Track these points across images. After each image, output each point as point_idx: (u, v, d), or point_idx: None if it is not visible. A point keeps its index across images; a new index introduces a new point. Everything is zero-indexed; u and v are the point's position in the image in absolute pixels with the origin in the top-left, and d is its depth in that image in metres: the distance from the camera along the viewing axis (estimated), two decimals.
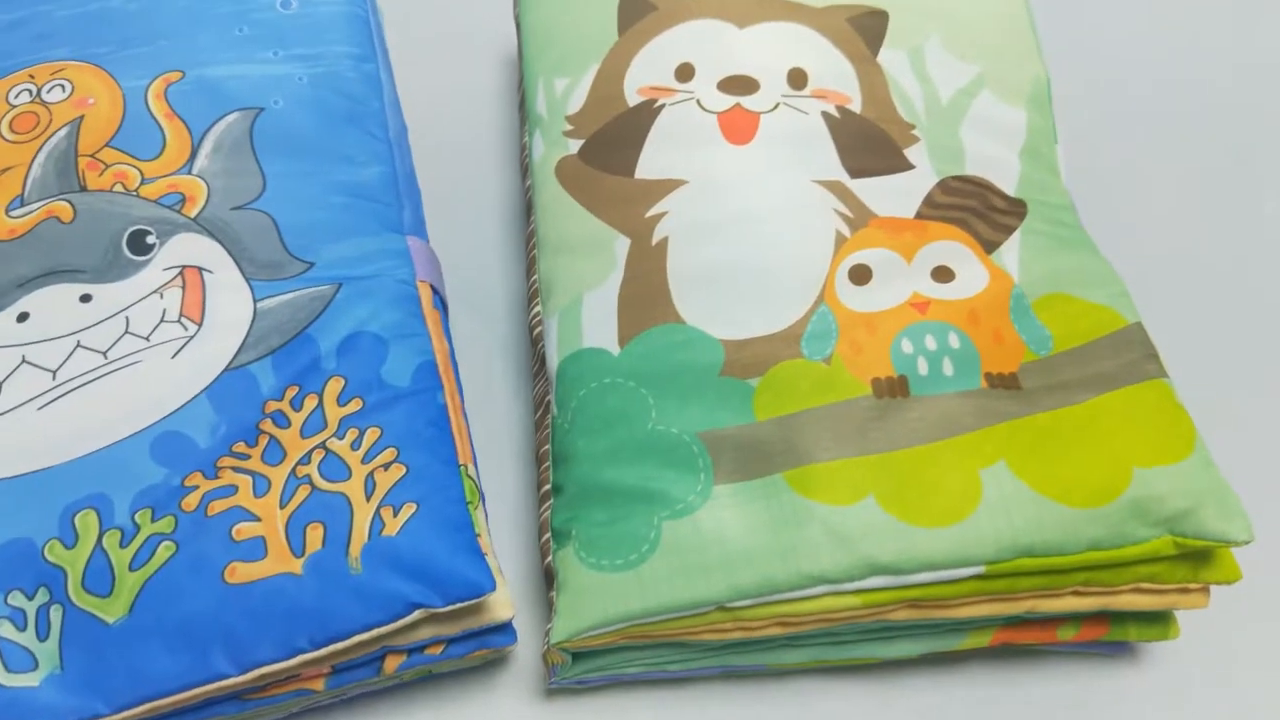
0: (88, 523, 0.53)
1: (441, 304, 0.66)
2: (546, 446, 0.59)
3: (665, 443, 0.54)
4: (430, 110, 0.79)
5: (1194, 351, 0.68)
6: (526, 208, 0.69)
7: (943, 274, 0.59)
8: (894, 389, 0.55)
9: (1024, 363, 0.56)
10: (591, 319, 0.59)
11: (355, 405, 0.57)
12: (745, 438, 0.54)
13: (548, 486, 0.58)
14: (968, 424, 0.54)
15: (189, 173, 0.63)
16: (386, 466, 0.55)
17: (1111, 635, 0.57)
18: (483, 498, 0.59)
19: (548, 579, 0.56)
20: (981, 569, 0.51)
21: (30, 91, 0.65)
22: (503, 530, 0.63)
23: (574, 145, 0.65)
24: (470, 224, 0.75)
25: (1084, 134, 0.76)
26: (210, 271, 0.60)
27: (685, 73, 0.65)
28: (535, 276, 0.65)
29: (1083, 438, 0.53)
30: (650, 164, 0.63)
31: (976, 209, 0.61)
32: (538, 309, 0.64)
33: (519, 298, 0.73)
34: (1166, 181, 0.79)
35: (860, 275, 0.58)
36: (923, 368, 0.55)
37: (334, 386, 0.57)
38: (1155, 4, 0.88)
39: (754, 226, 0.60)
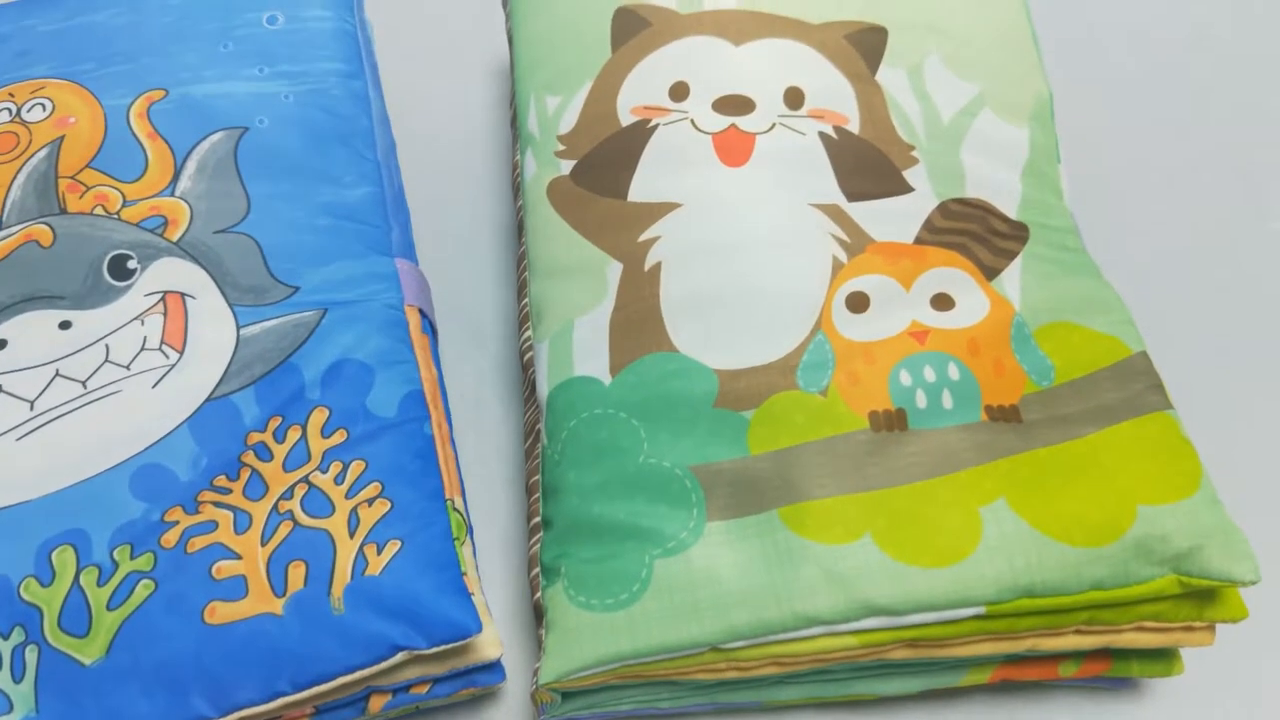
0: (65, 559, 0.52)
1: (430, 328, 0.64)
2: (536, 477, 0.58)
3: (657, 477, 0.53)
4: (420, 124, 0.78)
5: (1197, 367, 0.67)
6: (518, 228, 0.67)
7: (942, 302, 0.57)
8: (892, 422, 0.53)
9: (1025, 394, 0.55)
10: (583, 346, 0.58)
11: (339, 437, 0.55)
12: (739, 472, 0.53)
13: (538, 519, 0.57)
14: (967, 459, 0.52)
15: (171, 195, 0.61)
16: (370, 502, 0.53)
17: (1114, 671, 0.56)
18: (470, 530, 0.58)
19: (537, 615, 0.55)
20: (982, 609, 0.50)
21: (10, 110, 0.64)
22: (493, 559, 0.62)
23: (566, 166, 0.64)
24: (461, 242, 0.74)
25: (1084, 143, 0.75)
26: (193, 297, 0.59)
27: (679, 92, 0.64)
28: (526, 300, 0.63)
29: (1085, 474, 0.52)
30: (643, 186, 0.61)
31: (977, 233, 0.60)
32: (528, 333, 0.62)
33: (510, 318, 0.71)
34: (1168, 191, 0.77)
35: (858, 303, 0.57)
36: (921, 400, 0.54)
37: (318, 417, 0.56)
38: (1159, 9, 0.87)
39: (749, 252, 0.58)
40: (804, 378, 0.55)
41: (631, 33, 0.66)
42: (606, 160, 0.63)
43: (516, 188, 0.68)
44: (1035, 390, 0.55)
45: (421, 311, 0.63)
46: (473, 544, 0.57)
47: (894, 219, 0.60)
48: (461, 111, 0.80)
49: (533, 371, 0.61)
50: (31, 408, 0.56)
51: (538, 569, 0.55)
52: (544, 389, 0.58)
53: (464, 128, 0.79)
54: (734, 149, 0.61)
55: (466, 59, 0.82)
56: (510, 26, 0.72)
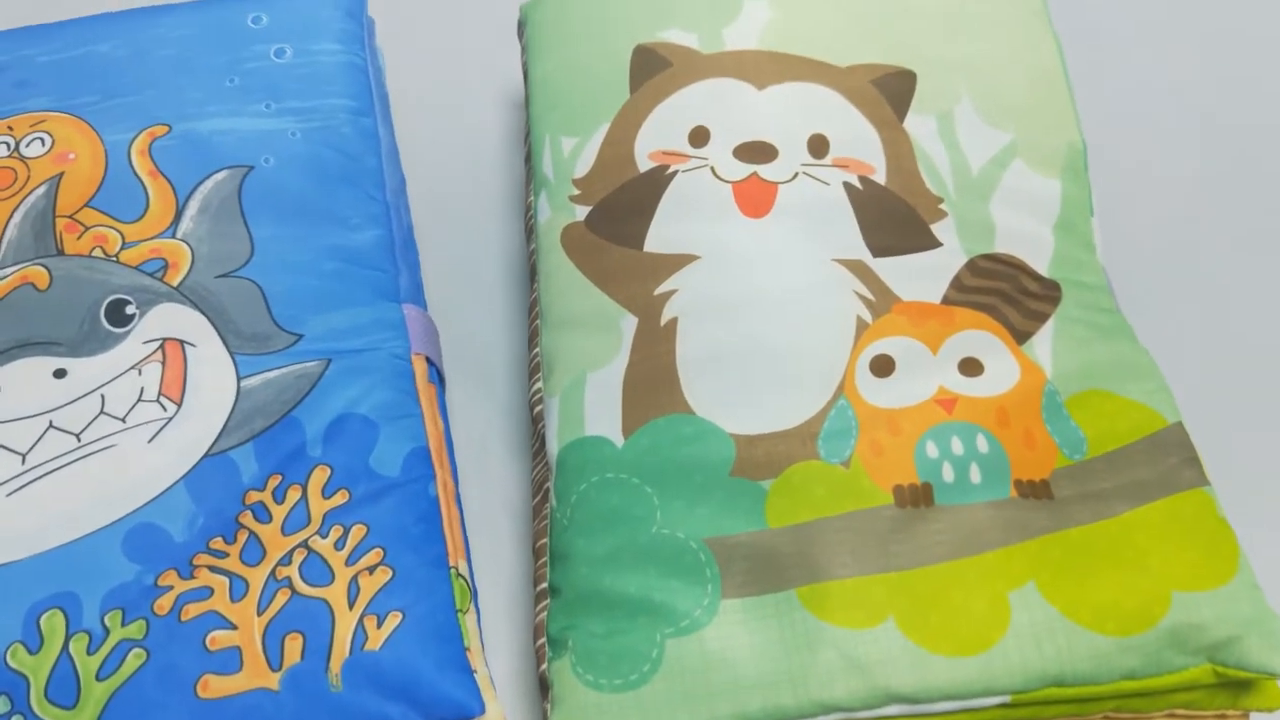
0: (54, 624, 0.50)
1: (438, 376, 0.62)
2: (544, 540, 0.56)
3: (670, 549, 0.51)
4: (431, 159, 0.75)
5: (1233, 431, 0.64)
6: (530, 272, 0.65)
7: (971, 367, 0.55)
8: (917, 498, 0.51)
9: (1056, 468, 0.52)
10: (594, 404, 0.56)
11: (341, 498, 0.53)
12: (756, 547, 0.50)
13: (544, 585, 0.55)
14: (996, 539, 0.50)
15: (173, 236, 0.59)
16: (372, 570, 0.51)
17: None
18: (474, 594, 0.56)
19: (542, 686, 0.53)
20: (1007, 698, 0.48)
21: (8, 145, 0.62)
22: (497, 615, 0.60)
23: (581, 211, 0.61)
24: (470, 282, 0.71)
25: (1115, 194, 0.72)
26: (192, 345, 0.57)
27: (699, 137, 0.62)
28: (537, 349, 0.61)
29: (1118, 556, 0.50)
30: (660, 236, 0.59)
31: (1007, 293, 0.57)
32: (539, 385, 0.60)
33: (520, 364, 0.69)
34: (1200, 243, 0.75)
35: (882, 366, 0.55)
36: (948, 474, 0.52)
37: (319, 476, 0.54)
38: (1193, 55, 0.84)
39: (769, 309, 0.56)
40: (825, 447, 0.52)
41: (651, 73, 0.64)
42: (623, 207, 0.61)
43: (529, 229, 0.66)
44: (1067, 464, 0.53)
45: (429, 359, 0.61)
46: (476, 609, 0.55)
47: (921, 276, 0.58)
48: (474, 144, 0.78)
49: (543, 425, 0.59)
50: (23, 461, 0.54)
51: (544, 639, 0.53)
52: (554, 447, 0.56)
53: (476, 161, 0.77)
54: (755, 199, 0.59)
55: (480, 88, 0.80)
56: (525, 61, 0.70)
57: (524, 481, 0.65)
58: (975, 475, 0.52)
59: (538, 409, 0.60)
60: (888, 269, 0.58)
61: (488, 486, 0.65)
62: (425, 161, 0.75)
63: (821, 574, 0.49)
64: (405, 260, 0.64)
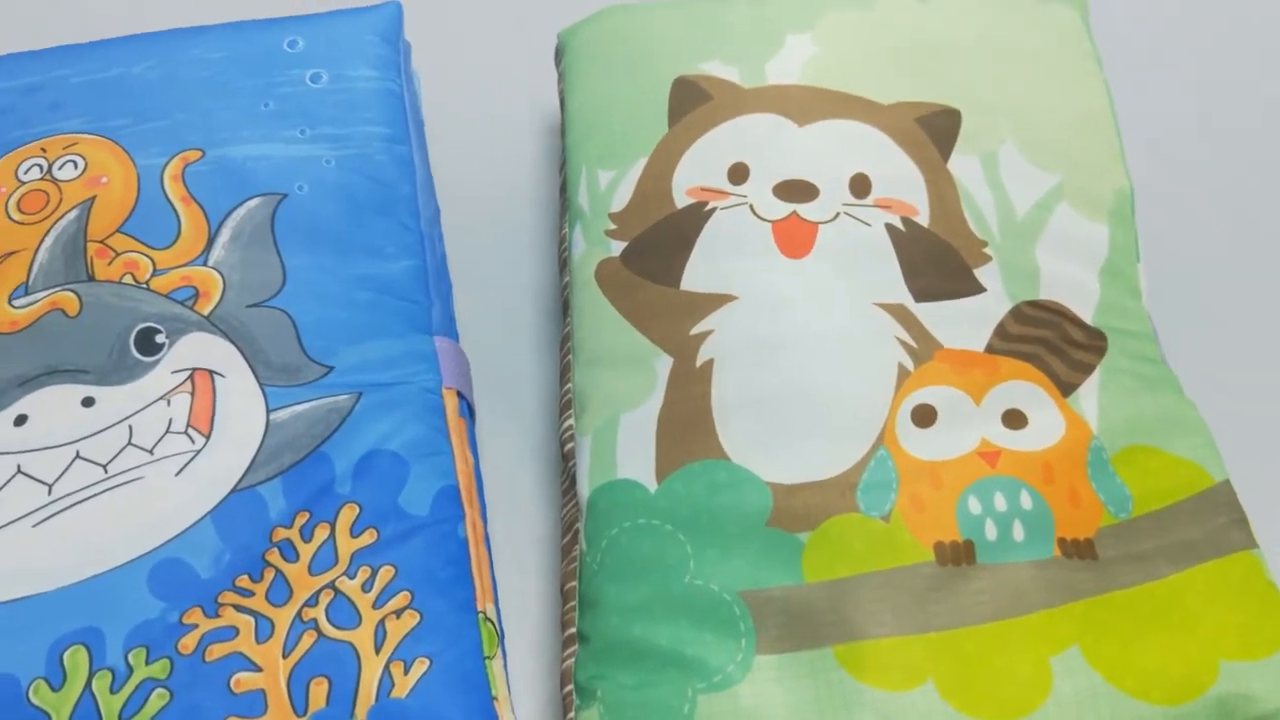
0: (77, 661, 0.49)
1: (468, 410, 0.61)
2: (573, 583, 0.55)
3: (703, 600, 0.50)
4: (462, 185, 0.74)
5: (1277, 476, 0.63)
6: (563, 306, 0.64)
7: (1015, 419, 0.54)
8: (959, 555, 0.50)
9: (1101, 527, 0.51)
10: (627, 445, 0.55)
11: (369, 538, 0.53)
12: (792, 601, 0.49)
13: (572, 630, 0.54)
14: (1039, 601, 0.49)
15: (204, 264, 0.58)
16: (399, 613, 0.50)
17: None
18: (501, 637, 0.55)
19: None
20: None
21: (41, 167, 0.61)
22: (522, 657, 0.58)
23: (616, 247, 0.60)
24: (500, 315, 0.70)
25: (1160, 239, 0.71)
26: (222, 376, 0.56)
27: (739, 173, 0.61)
28: (569, 385, 0.60)
29: (1165, 621, 0.48)
30: (697, 274, 0.58)
31: (1052, 342, 0.56)
32: (569, 422, 0.59)
33: (550, 396, 0.68)
34: (1246, 289, 0.73)
35: (924, 416, 0.53)
36: (991, 532, 0.50)
37: (347, 515, 0.53)
38: (1239, 95, 0.82)
39: (808, 354, 0.55)
40: (865, 499, 0.51)
41: (690, 106, 0.63)
42: (659, 244, 0.60)
43: (563, 262, 0.65)
44: (1112, 523, 0.51)
45: (460, 393, 0.60)
46: (503, 651, 0.54)
47: (964, 322, 0.56)
48: (506, 170, 0.77)
49: (573, 464, 0.58)
50: (49, 491, 0.53)
51: (571, 686, 0.52)
52: (585, 489, 0.55)
53: (508, 188, 0.76)
54: (795, 239, 0.58)
55: (514, 113, 0.79)
56: (562, 89, 0.69)
57: (551, 518, 0.64)
58: (1018, 533, 0.51)
59: (568, 446, 0.59)
60: (930, 314, 0.57)
61: (514, 522, 0.64)
62: (455, 187, 0.74)
63: (859, 632, 0.48)
64: (438, 291, 0.63)
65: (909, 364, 0.55)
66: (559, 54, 0.71)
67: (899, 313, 0.56)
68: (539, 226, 0.75)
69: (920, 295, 0.57)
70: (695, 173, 0.61)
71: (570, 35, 0.70)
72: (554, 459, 0.66)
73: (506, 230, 0.74)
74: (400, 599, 0.51)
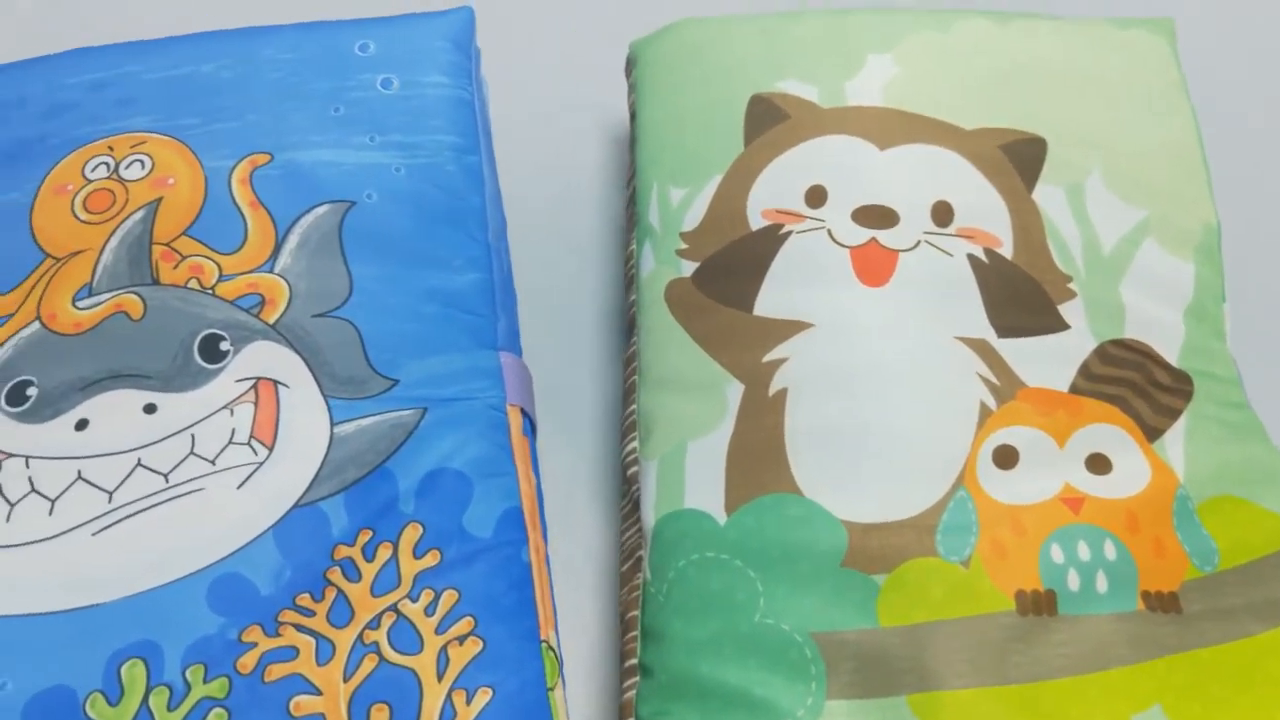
0: (134, 675, 0.49)
1: (531, 427, 0.60)
2: (635, 612, 0.54)
3: (774, 640, 0.49)
4: (524, 196, 0.73)
5: None
6: (628, 324, 0.63)
7: (1099, 464, 0.52)
8: (1040, 605, 0.48)
9: (1186, 580, 0.50)
10: (696, 474, 0.54)
11: (432, 559, 0.51)
12: (866, 646, 0.48)
13: (633, 661, 0.53)
14: (1122, 656, 0.47)
15: (270, 271, 0.57)
16: (461, 640, 0.49)
17: None
18: (561, 665, 0.53)
19: None
20: None
21: (108, 165, 0.60)
22: (574, 686, 0.57)
23: (688, 267, 0.59)
24: (561, 329, 0.69)
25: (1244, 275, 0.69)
26: (286, 386, 0.55)
27: (817, 197, 0.59)
28: (633, 408, 0.59)
29: (1250, 683, 0.47)
30: (771, 299, 0.57)
31: (1138, 385, 0.54)
32: (633, 445, 0.58)
33: (610, 413, 0.67)
34: None
35: (1006, 458, 0.52)
36: (1074, 582, 0.49)
37: (411, 534, 0.52)
38: None
39: (887, 388, 0.53)
40: (944, 543, 0.50)
41: (767, 125, 0.62)
42: (733, 266, 0.58)
43: (629, 280, 0.64)
44: (1197, 576, 0.50)
45: (524, 411, 0.59)
46: (563, 679, 0.53)
47: (1047, 360, 0.55)
48: (570, 181, 0.75)
49: (637, 488, 0.57)
50: (110, 499, 0.52)
51: (632, 718, 0.51)
52: (650, 516, 0.54)
53: (571, 199, 0.75)
54: (874, 267, 0.57)
55: (580, 123, 0.77)
56: (633, 102, 0.68)
57: (607, 541, 0.63)
58: (1101, 584, 0.49)
59: (631, 470, 0.58)
60: (1012, 351, 0.55)
61: (571, 543, 0.63)
62: (517, 197, 0.73)
63: (936, 682, 0.47)
64: (503, 305, 0.62)
65: (991, 402, 0.53)
66: (630, 65, 0.69)
67: (981, 348, 0.55)
68: (602, 239, 0.73)
69: (1003, 330, 0.55)
70: (771, 194, 0.60)
71: (643, 47, 0.69)
72: (611, 479, 0.65)
73: (568, 242, 0.73)
74: (463, 625, 0.50)
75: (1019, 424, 0.53)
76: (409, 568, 0.51)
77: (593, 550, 0.63)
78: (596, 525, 0.64)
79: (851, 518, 0.51)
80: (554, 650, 0.52)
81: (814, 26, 0.65)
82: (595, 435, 0.66)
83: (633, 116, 0.68)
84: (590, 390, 0.68)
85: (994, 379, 0.54)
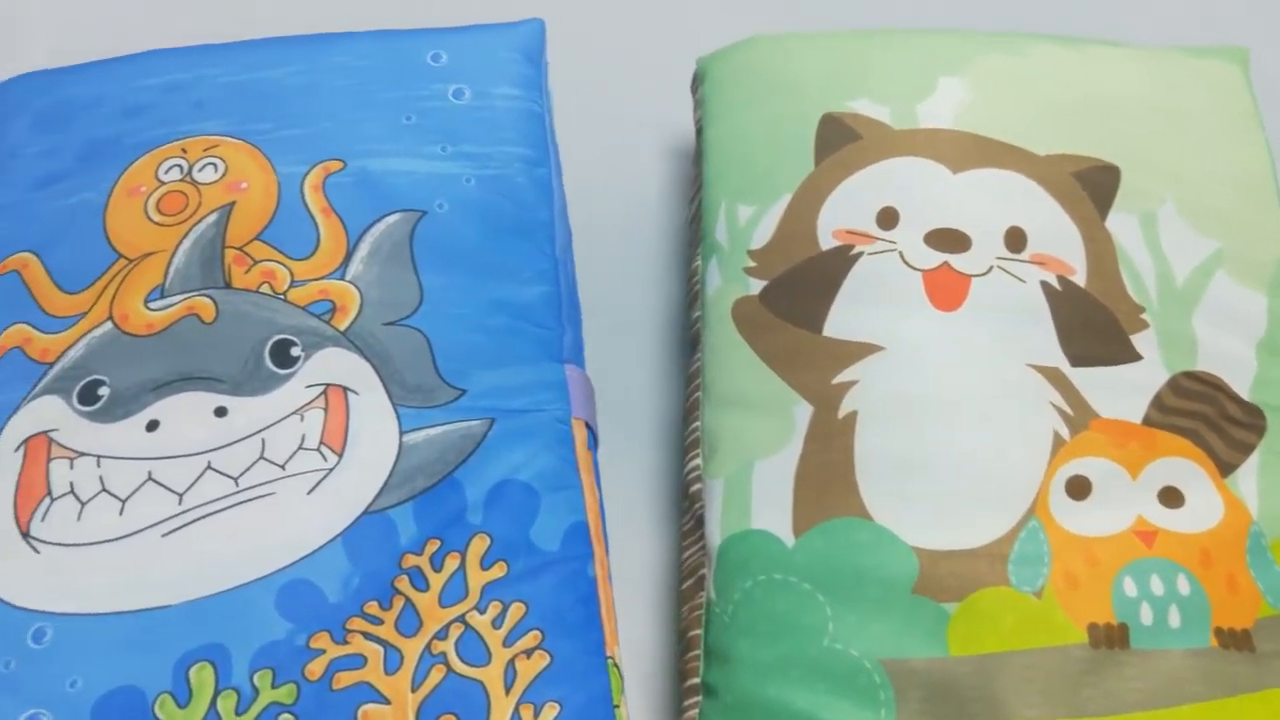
0: (203, 678, 0.49)
1: (594, 441, 0.60)
2: (697, 631, 0.54)
3: (843, 666, 0.48)
4: (586, 208, 0.73)
5: None
6: (691, 340, 0.63)
7: (1171, 497, 0.52)
8: (1112, 639, 0.48)
9: (1259, 617, 0.49)
10: (762, 494, 0.53)
11: (499, 571, 0.52)
12: (936, 674, 0.48)
13: (695, 680, 0.53)
14: (1194, 692, 0.47)
15: (342, 278, 0.58)
16: (529, 653, 0.50)
17: None
18: (622, 682, 0.53)
19: None
20: None
21: (181, 168, 0.61)
22: (633, 709, 0.57)
23: (755, 285, 0.59)
24: (620, 341, 0.69)
25: None
26: (356, 393, 0.55)
27: (888, 218, 0.59)
28: (697, 425, 0.59)
29: None
30: (841, 321, 0.57)
31: (1211, 418, 0.54)
32: (696, 463, 0.58)
33: (669, 426, 0.67)
34: None
35: (1078, 488, 0.52)
36: (1146, 616, 0.49)
37: (478, 546, 0.52)
38: None
39: (959, 414, 0.53)
40: (1016, 572, 0.50)
41: (838, 144, 0.62)
42: (802, 286, 0.58)
43: (694, 296, 0.64)
44: (1270, 614, 0.49)
45: (588, 424, 0.59)
46: (625, 699, 0.53)
47: (1120, 391, 0.55)
48: (631, 194, 0.75)
49: (700, 506, 0.56)
50: (180, 501, 0.53)
51: None
52: (715, 535, 0.54)
53: (634, 213, 0.74)
54: (946, 291, 0.56)
55: (643, 136, 0.77)
56: (700, 118, 0.68)
57: (664, 556, 0.63)
58: (1174, 619, 0.49)
59: (694, 488, 0.58)
60: (1085, 380, 0.55)
61: (625, 558, 0.62)
62: (578, 209, 0.73)
63: (1006, 712, 0.47)
64: (569, 317, 0.62)
65: (1064, 432, 0.53)
66: (698, 81, 0.69)
67: (1054, 376, 0.55)
68: (664, 254, 0.73)
69: (1075, 359, 0.55)
70: (842, 214, 0.60)
71: (711, 63, 0.69)
72: (667, 495, 0.65)
73: (629, 256, 0.73)
74: (530, 638, 0.50)
75: (1092, 454, 0.52)
76: (476, 579, 0.51)
77: (648, 566, 0.63)
78: (652, 541, 0.63)
79: (922, 544, 0.50)
80: (618, 667, 0.52)
81: (885, 47, 0.65)
82: (653, 451, 0.66)
83: (699, 132, 0.68)
84: (648, 405, 0.68)
85: (1067, 408, 0.54)
